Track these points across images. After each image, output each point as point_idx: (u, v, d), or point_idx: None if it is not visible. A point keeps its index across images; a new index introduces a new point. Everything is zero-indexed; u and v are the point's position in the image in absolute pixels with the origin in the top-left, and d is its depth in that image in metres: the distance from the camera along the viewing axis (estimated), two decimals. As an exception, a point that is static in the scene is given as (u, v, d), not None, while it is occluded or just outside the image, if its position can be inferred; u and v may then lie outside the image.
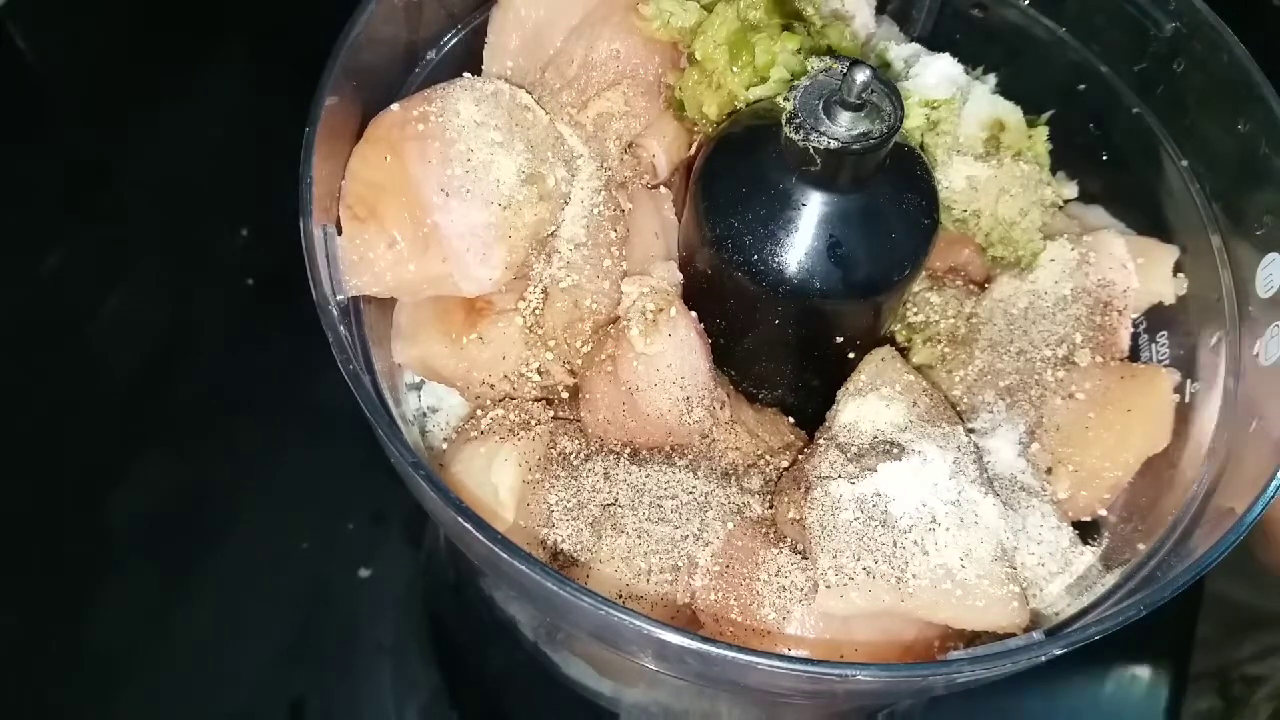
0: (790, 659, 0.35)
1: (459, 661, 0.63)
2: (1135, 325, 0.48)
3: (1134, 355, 0.48)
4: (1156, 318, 0.48)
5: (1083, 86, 0.51)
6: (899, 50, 0.48)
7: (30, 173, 0.76)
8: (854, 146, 0.36)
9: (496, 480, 0.41)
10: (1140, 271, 0.47)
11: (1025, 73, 0.51)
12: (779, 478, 0.43)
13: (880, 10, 0.51)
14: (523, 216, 0.42)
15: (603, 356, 0.42)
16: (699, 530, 0.40)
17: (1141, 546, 0.42)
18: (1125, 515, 0.44)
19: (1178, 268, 0.48)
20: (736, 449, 0.44)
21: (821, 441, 0.42)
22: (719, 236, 0.40)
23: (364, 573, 0.64)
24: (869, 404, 0.42)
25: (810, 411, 0.45)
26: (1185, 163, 0.47)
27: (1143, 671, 0.66)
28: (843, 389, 0.43)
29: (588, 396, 0.43)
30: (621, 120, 0.46)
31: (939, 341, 0.47)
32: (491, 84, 0.44)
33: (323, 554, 0.64)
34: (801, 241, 0.39)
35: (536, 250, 0.44)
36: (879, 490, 0.38)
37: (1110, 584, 0.41)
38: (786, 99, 0.37)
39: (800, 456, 0.43)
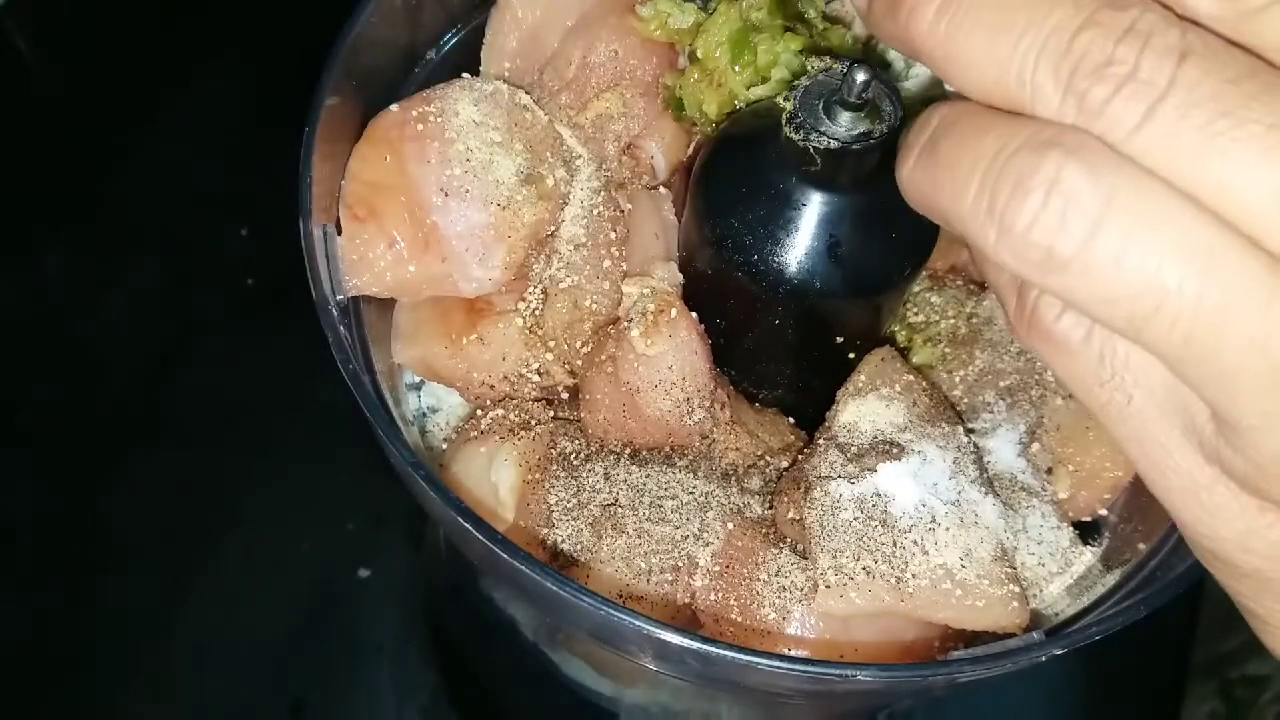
0: (790, 659, 0.35)
1: (459, 661, 0.63)
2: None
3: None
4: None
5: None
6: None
7: (30, 173, 0.76)
8: (854, 146, 0.36)
9: (496, 480, 0.41)
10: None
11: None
12: (779, 478, 0.43)
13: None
14: (522, 217, 0.42)
15: (603, 357, 0.42)
16: (699, 530, 0.40)
17: (1142, 546, 0.41)
18: (1126, 515, 0.44)
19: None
20: (736, 449, 0.44)
21: (821, 442, 0.42)
22: (719, 237, 0.40)
23: (364, 573, 0.64)
24: (869, 404, 0.42)
25: (810, 411, 0.45)
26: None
27: (1143, 672, 0.66)
28: (842, 389, 0.43)
29: (588, 397, 0.43)
30: (620, 122, 0.46)
31: (939, 341, 0.47)
32: (491, 84, 0.44)
33: (323, 554, 0.64)
34: (802, 241, 0.39)
35: (536, 251, 0.44)
36: (879, 490, 0.38)
37: (1111, 584, 0.41)
38: (787, 99, 0.37)
39: (800, 456, 0.43)
